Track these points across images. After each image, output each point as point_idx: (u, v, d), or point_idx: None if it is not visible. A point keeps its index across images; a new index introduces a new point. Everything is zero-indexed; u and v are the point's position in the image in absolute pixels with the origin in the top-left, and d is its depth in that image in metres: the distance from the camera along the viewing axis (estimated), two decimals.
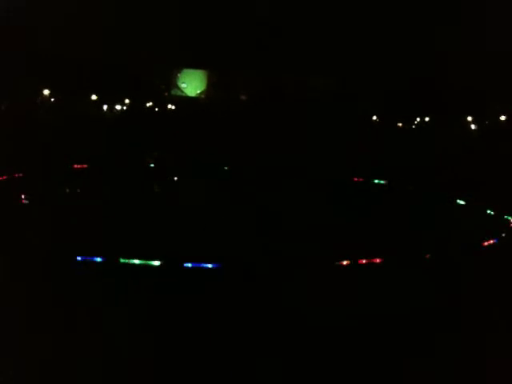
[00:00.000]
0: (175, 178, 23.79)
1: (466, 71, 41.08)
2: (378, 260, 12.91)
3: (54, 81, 42.69)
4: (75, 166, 24.51)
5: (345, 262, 12.70)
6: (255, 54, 46.04)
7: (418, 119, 48.56)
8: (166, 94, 52.40)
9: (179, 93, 52.70)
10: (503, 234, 15.36)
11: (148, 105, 50.74)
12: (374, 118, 48.38)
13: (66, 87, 42.70)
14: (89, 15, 40.30)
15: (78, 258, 12.08)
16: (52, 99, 44.78)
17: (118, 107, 48.09)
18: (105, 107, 47.16)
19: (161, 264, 12.22)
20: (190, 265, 12.22)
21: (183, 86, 52.82)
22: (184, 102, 51.27)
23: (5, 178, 20.62)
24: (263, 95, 47.99)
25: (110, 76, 44.31)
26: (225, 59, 47.57)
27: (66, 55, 41.40)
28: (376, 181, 24.46)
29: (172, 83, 52.69)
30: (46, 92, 44.26)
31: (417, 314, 10.19)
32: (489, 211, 18.69)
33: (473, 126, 45.44)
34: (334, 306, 10.34)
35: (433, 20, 42.31)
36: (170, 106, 51.56)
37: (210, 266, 12.21)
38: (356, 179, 25.00)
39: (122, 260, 12.24)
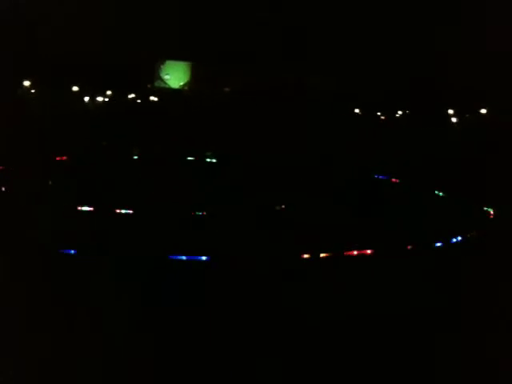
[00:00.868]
0: (160, 172, 23.58)
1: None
2: (369, 251, 12.94)
3: (35, 74, 42.39)
4: (56, 157, 24.34)
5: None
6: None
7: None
8: (149, 85, 51.67)
9: (162, 85, 51.98)
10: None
11: (130, 96, 49.98)
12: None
13: (48, 80, 42.38)
14: (83, 11, 40.19)
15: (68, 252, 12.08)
16: (32, 91, 44.35)
17: (100, 99, 47.46)
18: (86, 99, 46.59)
19: (156, 258, 12.20)
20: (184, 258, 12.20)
21: (166, 77, 52.11)
22: (167, 94, 50.47)
23: None
24: (249, 89, 47.69)
25: (91, 68, 43.90)
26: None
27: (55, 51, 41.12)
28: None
29: (155, 75, 51.88)
30: (27, 83, 43.88)
31: (414, 313, 10.20)
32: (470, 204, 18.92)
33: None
34: (333, 305, 10.34)
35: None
36: (152, 98, 50.77)
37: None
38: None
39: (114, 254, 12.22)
